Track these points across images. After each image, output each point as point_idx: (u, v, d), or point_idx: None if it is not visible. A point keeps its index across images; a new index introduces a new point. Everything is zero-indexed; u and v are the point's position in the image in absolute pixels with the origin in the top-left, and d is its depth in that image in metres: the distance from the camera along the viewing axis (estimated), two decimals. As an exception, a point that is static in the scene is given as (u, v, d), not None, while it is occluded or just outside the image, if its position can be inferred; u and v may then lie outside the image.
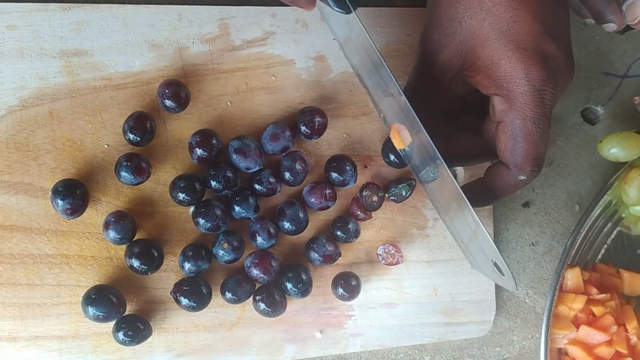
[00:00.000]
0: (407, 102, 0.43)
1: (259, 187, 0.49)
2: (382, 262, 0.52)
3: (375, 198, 0.51)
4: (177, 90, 0.47)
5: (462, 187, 0.43)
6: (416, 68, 0.46)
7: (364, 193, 0.51)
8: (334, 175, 0.50)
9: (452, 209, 0.48)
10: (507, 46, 0.41)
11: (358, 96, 0.52)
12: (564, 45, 0.42)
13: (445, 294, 0.54)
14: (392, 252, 0.52)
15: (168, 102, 0.47)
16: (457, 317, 0.55)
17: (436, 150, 0.42)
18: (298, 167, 0.49)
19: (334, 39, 0.51)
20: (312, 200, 0.50)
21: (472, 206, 0.43)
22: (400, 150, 0.48)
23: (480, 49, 0.42)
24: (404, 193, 0.52)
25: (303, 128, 0.49)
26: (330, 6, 0.40)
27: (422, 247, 0.54)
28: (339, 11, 0.40)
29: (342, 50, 0.50)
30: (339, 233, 0.51)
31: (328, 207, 0.50)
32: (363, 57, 0.46)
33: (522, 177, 0.44)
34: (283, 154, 0.50)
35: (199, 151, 0.47)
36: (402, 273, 0.53)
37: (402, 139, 0.47)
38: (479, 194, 0.47)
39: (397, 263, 0.52)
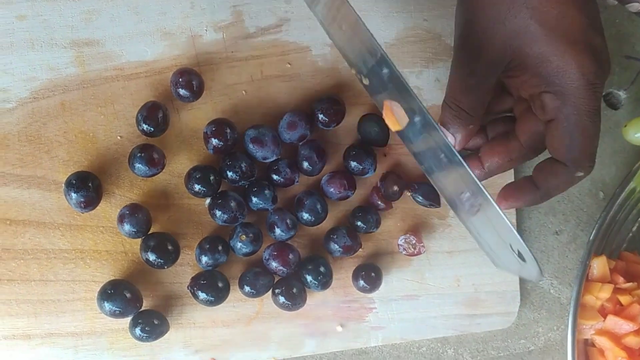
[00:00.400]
0: (398, 72, 0.39)
1: (277, 177, 0.48)
2: (403, 252, 0.51)
3: (395, 188, 0.49)
4: (191, 78, 0.46)
5: (507, 186, 0.43)
6: (454, 78, 0.43)
7: (384, 182, 0.49)
8: (353, 164, 0.49)
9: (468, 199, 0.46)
10: (558, 42, 0.39)
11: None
12: (604, 37, 0.42)
13: (468, 285, 0.53)
14: (414, 242, 0.51)
15: (182, 91, 0.46)
16: (480, 308, 0.53)
17: (450, 145, 0.40)
18: (316, 156, 0.48)
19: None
20: (331, 189, 0.49)
21: (522, 206, 0.42)
22: (396, 132, 0.43)
23: (528, 48, 0.40)
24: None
25: (321, 116, 0.48)
26: None
27: (443, 237, 0.52)
28: None
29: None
30: (359, 223, 0.49)
31: (347, 197, 0.49)
32: (346, 31, 0.42)
33: (580, 173, 0.42)
34: (301, 143, 0.49)
35: (214, 141, 0.46)
36: (423, 264, 0.52)
37: (397, 119, 0.42)
38: (530, 192, 0.45)
39: (418, 253, 0.51)
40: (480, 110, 0.43)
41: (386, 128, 0.47)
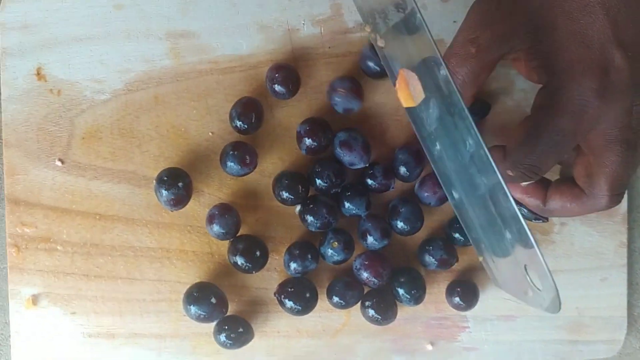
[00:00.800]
0: (429, 32, 0.34)
1: (372, 182, 0.45)
2: (503, 269, 0.47)
3: None
4: (288, 74, 0.44)
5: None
6: (456, 42, 0.37)
7: None
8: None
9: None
10: (572, 38, 0.34)
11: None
12: (635, 55, 0.35)
13: (571, 308, 0.48)
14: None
15: (278, 88, 0.44)
16: (583, 334, 0.49)
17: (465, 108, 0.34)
18: (414, 161, 0.45)
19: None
20: (426, 194, 0.45)
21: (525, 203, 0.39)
22: (406, 108, 0.38)
23: (545, 32, 0.35)
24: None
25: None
26: None
27: (546, 255, 0.47)
28: None
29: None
30: (457, 235, 0.46)
31: (446, 200, 0.45)
32: None
33: (602, 204, 0.38)
34: (398, 148, 0.46)
35: (307, 141, 0.44)
36: (523, 282, 0.48)
37: (411, 93, 0.36)
38: (537, 196, 0.41)
39: (518, 271, 0.47)
40: (472, 86, 0.36)
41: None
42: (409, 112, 0.39)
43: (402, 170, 0.45)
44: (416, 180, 0.46)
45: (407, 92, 0.36)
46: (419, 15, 0.35)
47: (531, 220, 0.42)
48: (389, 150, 0.46)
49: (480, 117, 0.46)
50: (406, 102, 0.36)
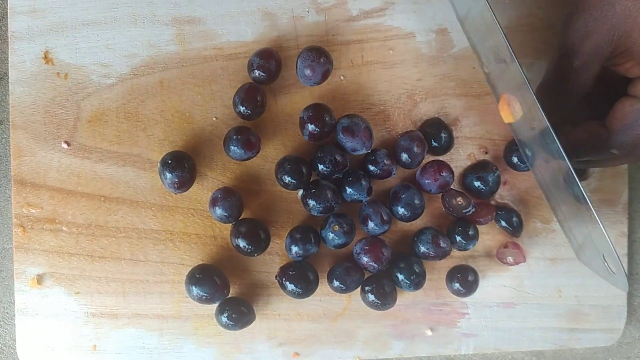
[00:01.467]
0: (520, 69, 0.40)
1: (373, 168, 0.45)
2: (502, 262, 0.47)
3: (460, 201, 0.46)
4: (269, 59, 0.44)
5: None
6: (556, 61, 0.41)
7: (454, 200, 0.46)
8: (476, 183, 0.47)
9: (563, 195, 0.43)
10: None
11: (482, 74, 0.47)
12: None
13: (571, 297, 0.49)
14: (514, 253, 0.47)
15: (258, 73, 0.44)
16: (582, 322, 0.49)
17: (555, 136, 0.39)
18: (416, 148, 0.45)
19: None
20: (427, 181, 0.46)
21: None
22: (508, 124, 0.44)
23: (637, 34, 0.38)
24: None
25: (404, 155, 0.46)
26: None
27: (546, 243, 0.48)
28: None
29: (455, 11, 0.47)
30: (458, 238, 0.46)
31: (448, 184, 0.45)
32: (475, 17, 0.42)
33: (615, 151, 0.41)
34: (400, 134, 0.46)
35: (310, 127, 0.44)
36: (522, 271, 0.48)
37: (511, 112, 0.42)
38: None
39: (518, 263, 0.47)
40: (579, 96, 0.41)
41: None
42: (510, 126, 0.46)
43: (404, 156, 0.45)
44: (418, 167, 0.47)
45: (508, 111, 0.43)
46: (518, 64, 0.40)
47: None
48: (391, 137, 0.47)
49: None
50: (507, 118, 0.43)
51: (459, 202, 0.46)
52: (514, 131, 0.46)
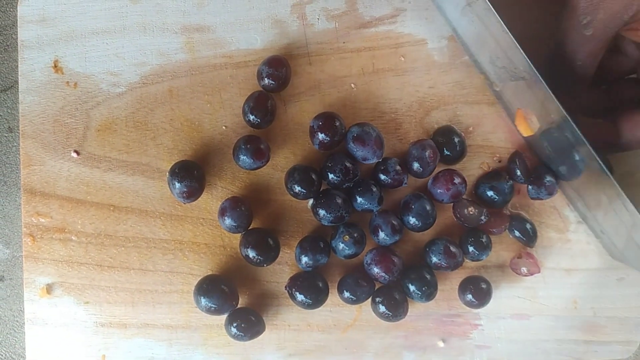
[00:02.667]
0: (545, 84, 0.38)
1: (384, 177, 0.44)
2: (516, 273, 0.46)
3: (472, 211, 0.45)
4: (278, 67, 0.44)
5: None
6: (568, 29, 0.39)
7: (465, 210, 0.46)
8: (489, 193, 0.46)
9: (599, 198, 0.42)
10: None
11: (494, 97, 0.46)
12: None
13: (587, 308, 0.48)
14: (528, 263, 0.46)
15: (267, 81, 0.44)
16: (598, 335, 0.48)
17: (584, 139, 0.38)
18: (428, 156, 0.44)
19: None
20: (439, 191, 0.45)
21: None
22: (527, 137, 0.44)
23: None
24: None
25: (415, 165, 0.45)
26: None
27: (561, 253, 0.47)
28: None
29: (454, 31, 0.46)
30: (471, 249, 0.45)
31: (460, 194, 0.45)
32: (484, 37, 0.42)
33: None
34: (412, 143, 0.45)
35: (320, 136, 0.44)
36: (537, 281, 0.47)
37: (529, 125, 0.42)
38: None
39: (532, 274, 0.46)
40: (592, 68, 0.40)
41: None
42: (527, 139, 0.46)
43: (416, 165, 0.45)
44: (429, 177, 0.46)
45: (526, 124, 0.43)
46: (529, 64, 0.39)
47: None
48: (402, 146, 0.46)
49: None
50: (525, 132, 0.44)
51: (471, 212, 0.45)
52: (534, 146, 0.46)
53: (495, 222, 0.46)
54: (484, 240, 0.45)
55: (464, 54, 0.46)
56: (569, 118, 0.38)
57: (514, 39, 0.38)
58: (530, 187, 0.46)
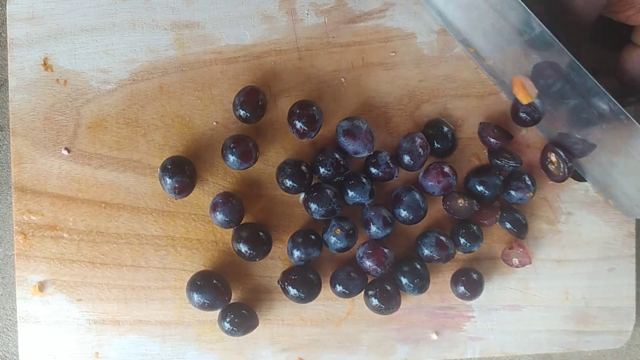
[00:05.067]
0: (550, 34, 0.38)
1: (375, 170, 0.45)
2: (508, 264, 0.47)
3: (462, 203, 0.45)
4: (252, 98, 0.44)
5: None
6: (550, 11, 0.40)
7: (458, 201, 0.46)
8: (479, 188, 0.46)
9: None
10: None
11: (485, 74, 0.47)
12: None
13: (578, 299, 0.48)
14: (519, 254, 0.46)
15: (242, 112, 0.44)
16: (590, 325, 0.48)
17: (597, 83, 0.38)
18: (419, 149, 0.45)
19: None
20: (430, 183, 0.45)
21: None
22: (526, 105, 0.44)
23: None
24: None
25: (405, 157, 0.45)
26: None
27: (552, 244, 0.48)
28: None
29: (442, 18, 0.46)
30: (462, 241, 0.45)
31: (451, 186, 0.45)
32: (477, 4, 0.41)
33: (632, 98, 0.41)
34: (402, 136, 0.45)
35: (298, 124, 0.43)
36: (529, 272, 0.47)
37: (528, 91, 0.42)
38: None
39: (523, 265, 0.47)
40: (592, 15, 0.39)
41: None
42: (527, 106, 0.45)
43: (406, 158, 0.45)
44: (420, 169, 0.46)
45: (524, 91, 0.43)
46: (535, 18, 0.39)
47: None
48: (393, 140, 0.46)
49: None
50: (525, 99, 0.43)
51: (461, 205, 0.45)
52: (534, 111, 0.45)
53: (486, 214, 0.46)
54: (475, 231, 0.46)
55: (453, 47, 0.47)
56: (580, 65, 0.38)
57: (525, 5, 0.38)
58: (512, 192, 0.46)
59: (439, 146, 0.46)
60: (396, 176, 0.45)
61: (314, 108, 0.44)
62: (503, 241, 0.47)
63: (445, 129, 0.46)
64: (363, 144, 0.44)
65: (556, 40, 0.38)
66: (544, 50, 0.39)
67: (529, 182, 0.46)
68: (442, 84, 0.46)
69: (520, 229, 0.46)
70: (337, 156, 0.44)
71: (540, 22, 0.38)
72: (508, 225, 0.46)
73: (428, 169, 0.45)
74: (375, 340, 0.47)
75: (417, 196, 0.45)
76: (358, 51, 0.46)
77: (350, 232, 0.44)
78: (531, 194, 0.46)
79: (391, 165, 0.45)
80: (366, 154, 0.44)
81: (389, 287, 0.45)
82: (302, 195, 0.45)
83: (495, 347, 0.48)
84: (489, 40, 0.44)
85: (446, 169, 0.45)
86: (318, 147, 0.46)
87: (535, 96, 0.42)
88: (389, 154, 0.45)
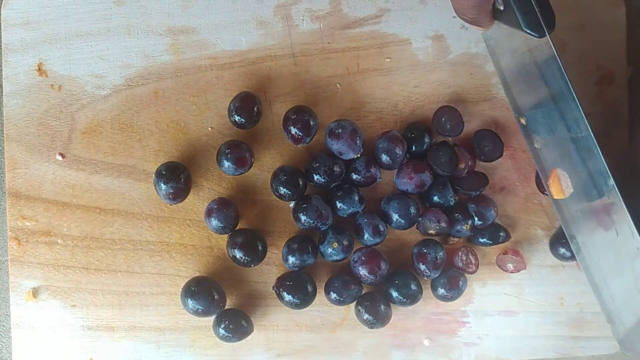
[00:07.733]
0: (596, 146, 0.38)
1: (357, 176, 0.44)
2: (503, 269, 0.47)
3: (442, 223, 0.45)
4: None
5: None
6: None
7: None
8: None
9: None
10: None
11: (479, 80, 0.47)
12: None
13: (573, 304, 0.48)
14: (514, 260, 0.46)
15: (237, 118, 0.44)
16: (585, 330, 0.48)
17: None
18: (397, 149, 0.44)
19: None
20: (403, 181, 0.45)
21: None
22: (555, 200, 0.43)
23: None
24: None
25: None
26: (520, 27, 0.36)
27: (547, 250, 0.48)
28: (530, 34, 0.36)
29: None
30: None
31: (424, 184, 0.44)
32: (536, 84, 0.41)
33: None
34: (378, 136, 0.45)
35: (293, 130, 0.43)
36: (523, 278, 0.48)
37: (562, 188, 0.42)
38: None
39: (518, 271, 0.47)
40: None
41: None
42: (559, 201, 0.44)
43: (384, 158, 0.44)
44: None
45: (559, 187, 0.42)
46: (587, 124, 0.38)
47: None
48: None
49: None
50: (557, 195, 0.43)
51: (436, 224, 0.45)
52: (562, 209, 0.45)
53: (465, 261, 0.46)
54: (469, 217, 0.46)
55: (448, 53, 0.47)
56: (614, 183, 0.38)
57: (571, 87, 0.38)
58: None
59: (415, 150, 0.46)
60: (379, 178, 0.45)
61: (309, 114, 0.44)
62: (498, 247, 0.47)
63: (426, 132, 0.45)
64: (347, 143, 0.43)
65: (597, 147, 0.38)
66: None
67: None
68: (437, 90, 0.46)
69: (503, 238, 0.46)
70: (331, 163, 0.44)
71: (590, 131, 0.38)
72: (482, 240, 0.46)
73: (401, 168, 0.45)
74: (370, 346, 0.47)
75: (409, 201, 0.44)
76: (353, 57, 0.46)
77: (347, 245, 0.44)
78: (467, 226, 0.46)
79: (371, 169, 0.44)
80: (352, 155, 0.44)
81: (380, 303, 0.45)
82: (292, 204, 0.45)
83: (490, 352, 0.48)
84: (538, 123, 0.43)
85: (419, 167, 0.44)
86: (313, 152, 0.46)
87: (568, 195, 0.41)
88: (365, 158, 0.45)
